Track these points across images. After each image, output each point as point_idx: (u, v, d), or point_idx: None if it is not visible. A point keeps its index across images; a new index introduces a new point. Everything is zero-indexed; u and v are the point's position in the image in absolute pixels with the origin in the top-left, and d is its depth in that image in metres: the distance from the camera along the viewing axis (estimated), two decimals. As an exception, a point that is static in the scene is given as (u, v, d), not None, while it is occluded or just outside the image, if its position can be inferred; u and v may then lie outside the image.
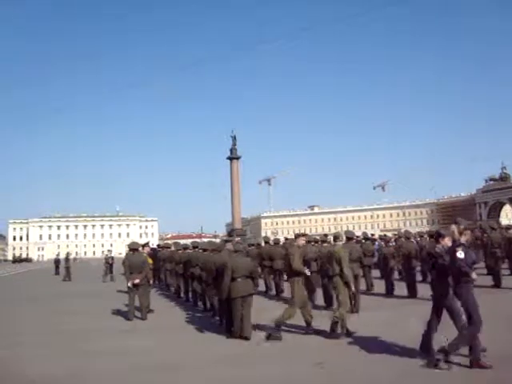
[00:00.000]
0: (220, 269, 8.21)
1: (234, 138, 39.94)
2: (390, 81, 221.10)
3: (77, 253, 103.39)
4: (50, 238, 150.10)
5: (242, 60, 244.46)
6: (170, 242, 26.79)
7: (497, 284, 12.24)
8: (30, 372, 6.12)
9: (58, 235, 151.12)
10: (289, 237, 18.91)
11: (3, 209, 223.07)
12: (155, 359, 6.57)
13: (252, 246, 15.55)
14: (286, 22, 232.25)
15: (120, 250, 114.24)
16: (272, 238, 15.31)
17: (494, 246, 12.62)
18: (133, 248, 10.80)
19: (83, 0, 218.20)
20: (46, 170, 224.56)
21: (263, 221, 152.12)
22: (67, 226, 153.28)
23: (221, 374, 5.70)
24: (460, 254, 5.34)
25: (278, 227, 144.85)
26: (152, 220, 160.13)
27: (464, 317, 5.51)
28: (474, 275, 5.37)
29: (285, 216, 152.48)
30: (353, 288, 7.64)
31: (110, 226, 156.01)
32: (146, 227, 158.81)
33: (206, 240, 20.24)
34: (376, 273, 14.58)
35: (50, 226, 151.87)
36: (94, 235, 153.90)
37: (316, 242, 12.71)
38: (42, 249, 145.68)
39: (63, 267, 26.19)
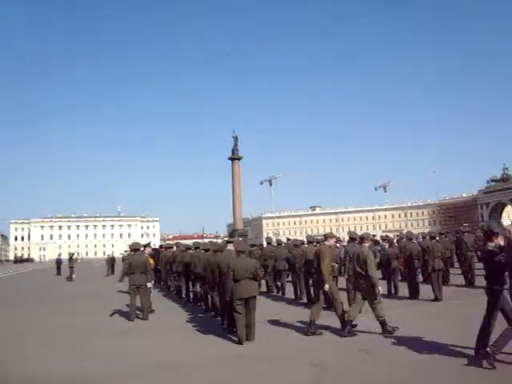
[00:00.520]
0: (222, 269, 8.22)
1: (236, 139, 39.82)
2: (391, 81, 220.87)
3: (78, 253, 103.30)
4: (51, 238, 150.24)
5: (243, 60, 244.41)
6: (171, 242, 26.81)
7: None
8: (30, 372, 6.13)
9: (60, 235, 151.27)
10: (290, 237, 18.85)
11: (5, 209, 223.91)
12: (156, 359, 6.56)
13: (254, 247, 15.55)
14: (286, 22, 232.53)
15: (121, 251, 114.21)
16: (274, 238, 15.30)
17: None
18: (134, 248, 10.83)
19: (83, 0, 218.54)
20: (47, 170, 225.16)
21: (265, 221, 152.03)
22: (69, 227, 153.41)
23: (221, 375, 5.70)
24: None
25: (280, 228, 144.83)
26: (153, 220, 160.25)
27: None
28: None
29: (286, 216, 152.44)
30: (379, 289, 7.61)
31: (112, 226, 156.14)
32: (148, 227, 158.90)
33: (207, 240, 20.22)
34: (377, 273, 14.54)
35: (51, 227, 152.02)
36: (95, 235, 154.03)
37: (318, 242, 12.68)
38: (44, 249, 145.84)
39: (67, 267, 26.30)
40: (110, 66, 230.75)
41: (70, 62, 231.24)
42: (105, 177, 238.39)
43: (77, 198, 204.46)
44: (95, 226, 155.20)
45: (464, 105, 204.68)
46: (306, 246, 12.31)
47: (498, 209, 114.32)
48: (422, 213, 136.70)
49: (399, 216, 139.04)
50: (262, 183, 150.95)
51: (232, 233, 38.96)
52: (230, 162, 39.86)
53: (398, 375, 5.33)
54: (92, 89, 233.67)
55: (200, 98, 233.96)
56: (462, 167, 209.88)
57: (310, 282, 11.35)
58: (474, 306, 9.59)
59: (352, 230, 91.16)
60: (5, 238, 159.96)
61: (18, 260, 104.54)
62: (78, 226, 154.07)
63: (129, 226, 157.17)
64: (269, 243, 14.90)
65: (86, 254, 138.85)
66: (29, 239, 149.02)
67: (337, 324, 8.02)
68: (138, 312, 10.18)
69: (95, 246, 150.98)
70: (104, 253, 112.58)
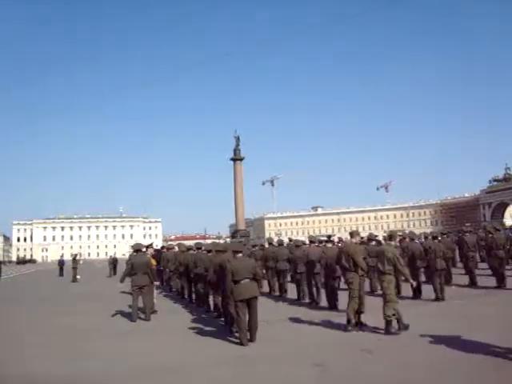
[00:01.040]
0: (224, 270, 8.22)
1: (238, 139, 39.93)
2: (392, 80, 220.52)
3: (81, 254, 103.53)
4: (53, 239, 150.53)
5: (244, 60, 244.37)
6: (173, 243, 26.86)
7: (501, 285, 12.22)
8: (30, 372, 6.14)
9: (62, 236, 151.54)
10: (293, 237, 18.87)
11: (7, 210, 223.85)
12: (157, 360, 6.57)
13: (256, 247, 15.58)
14: (286, 22, 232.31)
15: (124, 252, 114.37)
16: (276, 239, 15.31)
17: (498, 246, 12.59)
18: (136, 249, 10.88)
19: (83, 0, 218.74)
20: (48, 171, 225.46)
21: (267, 222, 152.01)
22: (71, 228, 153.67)
23: (222, 375, 5.70)
24: None
25: (282, 228, 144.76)
26: (156, 221, 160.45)
27: None
28: None
29: (288, 217, 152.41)
30: (411, 281, 7.84)
31: (114, 227, 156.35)
32: (150, 228, 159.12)
33: (209, 241, 20.26)
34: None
35: (53, 228, 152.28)
36: (97, 236, 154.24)
37: (320, 242, 12.71)
38: (46, 250, 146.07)
39: (70, 268, 26.34)
40: (110, 66, 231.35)
41: (70, 62, 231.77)
42: (107, 178, 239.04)
43: (79, 199, 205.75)
44: (97, 227, 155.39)
45: (465, 104, 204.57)
46: (307, 246, 12.32)
47: (501, 208, 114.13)
48: (424, 213, 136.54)
49: (401, 216, 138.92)
50: (263, 183, 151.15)
51: (234, 233, 39.05)
52: (231, 162, 39.95)
53: (400, 375, 5.33)
54: (92, 89, 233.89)
55: (201, 97, 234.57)
56: (464, 167, 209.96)
57: (313, 282, 11.39)
58: (477, 306, 9.66)
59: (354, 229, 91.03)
60: (7, 239, 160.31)
61: (21, 261, 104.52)
62: (80, 227, 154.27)
63: (131, 226, 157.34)
64: (270, 243, 14.93)
65: (89, 254, 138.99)
66: (31, 240, 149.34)
67: (337, 323, 8.04)
68: (140, 313, 10.20)
69: (97, 246, 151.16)
70: (106, 254, 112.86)
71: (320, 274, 11.07)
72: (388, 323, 7.46)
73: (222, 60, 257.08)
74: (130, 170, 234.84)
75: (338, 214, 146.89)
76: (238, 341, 7.33)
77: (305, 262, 11.52)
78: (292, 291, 12.69)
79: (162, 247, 21.34)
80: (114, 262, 29.81)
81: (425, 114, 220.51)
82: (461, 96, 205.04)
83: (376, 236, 17.86)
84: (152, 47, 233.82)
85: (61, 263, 32.12)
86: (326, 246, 11.16)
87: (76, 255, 28.18)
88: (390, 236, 8.46)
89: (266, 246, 15.37)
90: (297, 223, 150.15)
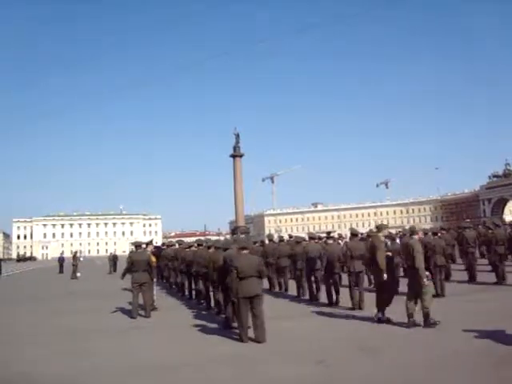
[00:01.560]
0: (225, 266, 8.21)
1: (237, 136, 39.88)
2: (391, 78, 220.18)
3: (81, 251, 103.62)
4: (53, 236, 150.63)
5: (244, 60, 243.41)
6: (173, 240, 26.89)
7: (501, 281, 12.23)
8: (30, 372, 6.12)
9: (62, 234, 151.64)
10: (293, 234, 18.85)
11: (7, 208, 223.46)
12: (157, 358, 6.56)
13: (256, 244, 15.57)
14: (286, 22, 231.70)
15: (124, 249, 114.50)
16: (276, 235, 15.31)
17: (498, 242, 12.59)
18: (136, 245, 10.91)
19: (83, 0, 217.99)
20: (49, 169, 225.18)
21: (266, 218, 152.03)
22: (71, 225, 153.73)
23: (222, 373, 5.68)
24: None
25: (282, 225, 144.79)
26: (156, 218, 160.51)
27: None
28: None
29: (288, 213, 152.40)
30: (425, 281, 7.59)
31: (114, 224, 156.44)
32: (150, 225, 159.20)
33: (214, 238, 20.27)
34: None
35: (53, 225, 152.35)
36: (97, 234, 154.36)
37: (320, 239, 12.72)
38: (46, 247, 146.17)
39: (70, 265, 26.39)
40: (110, 66, 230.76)
41: (70, 62, 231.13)
42: (107, 175, 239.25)
43: (79, 197, 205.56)
44: (97, 224, 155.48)
45: (465, 102, 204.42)
46: (307, 242, 12.32)
47: (500, 204, 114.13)
48: (424, 209, 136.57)
49: (401, 212, 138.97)
50: (263, 180, 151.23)
51: (234, 230, 39.03)
52: (231, 159, 39.91)
53: (401, 373, 5.33)
54: (92, 89, 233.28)
55: (200, 96, 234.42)
56: (464, 163, 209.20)
57: (313, 278, 11.40)
58: (476, 302, 9.66)
59: (354, 226, 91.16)
60: (7, 236, 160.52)
61: (21, 258, 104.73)
62: (80, 224, 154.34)
63: (131, 223, 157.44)
64: (270, 240, 14.93)
65: (89, 252, 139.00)
66: (31, 238, 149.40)
67: (336, 322, 8.04)
68: (140, 310, 10.20)
69: (97, 244, 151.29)
70: (106, 251, 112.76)
71: (320, 271, 11.07)
72: (426, 315, 7.44)
73: (221, 59, 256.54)
74: (130, 168, 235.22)
75: (337, 210, 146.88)
76: (238, 337, 7.33)
77: (304, 259, 11.53)
78: (292, 288, 12.70)
79: (163, 244, 21.35)
80: (114, 259, 29.86)
81: (424, 111, 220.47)
82: (460, 92, 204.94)
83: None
84: (152, 47, 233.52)
85: (61, 260, 32.16)
86: (327, 242, 11.17)
87: (76, 252, 28.26)
88: (412, 230, 8.39)
89: (266, 242, 15.38)
90: (297, 220, 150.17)
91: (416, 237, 8.23)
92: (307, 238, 12.59)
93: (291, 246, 13.12)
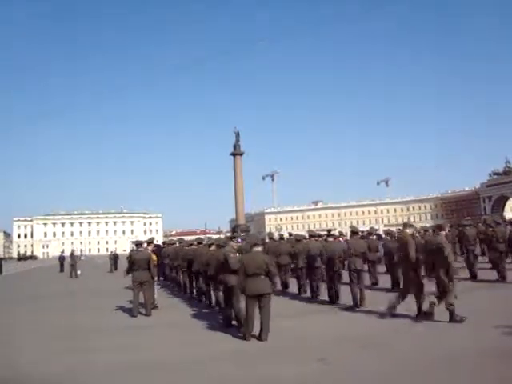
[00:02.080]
0: (225, 264, 8.19)
1: (238, 134, 39.87)
2: (392, 77, 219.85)
3: (81, 250, 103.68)
4: (54, 235, 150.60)
5: (244, 59, 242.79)
6: (174, 238, 26.88)
7: (501, 278, 12.23)
8: (30, 371, 6.12)
9: (63, 232, 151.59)
10: (293, 232, 18.84)
11: (7, 206, 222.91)
12: (158, 356, 6.56)
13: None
14: (286, 22, 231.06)
15: (124, 247, 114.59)
16: (276, 233, 15.32)
17: (499, 240, 12.59)
18: (137, 243, 10.93)
19: (83, 0, 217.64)
20: (49, 168, 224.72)
21: (267, 216, 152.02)
22: (71, 224, 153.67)
23: (223, 370, 5.69)
24: None
25: (282, 223, 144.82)
26: (156, 217, 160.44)
27: None
28: None
29: (288, 212, 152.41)
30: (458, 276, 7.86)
31: (115, 222, 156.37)
32: (151, 224, 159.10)
33: (215, 237, 20.23)
34: (380, 268, 14.58)
35: (54, 224, 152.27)
36: (98, 232, 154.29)
37: (320, 236, 12.73)
38: (47, 246, 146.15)
39: (69, 264, 26.26)
40: (110, 66, 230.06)
41: (70, 62, 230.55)
42: (107, 173, 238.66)
43: (79, 195, 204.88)
44: (98, 223, 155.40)
45: (465, 100, 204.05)
46: (307, 240, 12.32)
47: (501, 202, 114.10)
48: (425, 207, 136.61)
49: (401, 210, 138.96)
50: (264, 178, 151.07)
51: (234, 228, 39.02)
52: (231, 157, 39.90)
53: (403, 371, 5.33)
54: (92, 89, 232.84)
55: (201, 95, 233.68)
56: (464, 161, 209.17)
57: (313, 276, 11.40)
58: (476, 300, 9.66)
59: (354, 224, 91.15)
60: (8, 235, 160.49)
61: (22, 257, 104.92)
62: (80, 223, 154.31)
63: (131, 222, 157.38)
64: (271, 238, 14.94)
65: (89, 250, 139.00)
66: (32, 236, 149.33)
67: (337, 319, 8.03)
68: (141, 308, 10.20)
69: (98, 242, 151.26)
70: (107, 249, 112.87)
71: (320, 268, 11.08)
72: (451, 312, 7.47)
73: (221, 59, 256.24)
74: (130, 167, 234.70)
75: (338, 208, 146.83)
76: (240, 335, 7.34)
77: (305, 257, 11.53)
78: (293, 285, 12.71)
79: (163, 242, 21.36)
80: (114, 258, 29.89)
81: (425, 110, 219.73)
82: (460, 91, 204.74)
83: (376, 230, 17.94)
84: (152, 47, 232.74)
85: (61, 259, 32.18)
86: (327, 240, 11.17)
87: (74, 251, 27.47)
88: (439, 226, 8.54)
89: (267, 240, 15.38)
90: (297, 218, 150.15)
91: (443, 233, 8.24)
92: (307, 236, 12.61)
93: (292, 244, 13.13)
